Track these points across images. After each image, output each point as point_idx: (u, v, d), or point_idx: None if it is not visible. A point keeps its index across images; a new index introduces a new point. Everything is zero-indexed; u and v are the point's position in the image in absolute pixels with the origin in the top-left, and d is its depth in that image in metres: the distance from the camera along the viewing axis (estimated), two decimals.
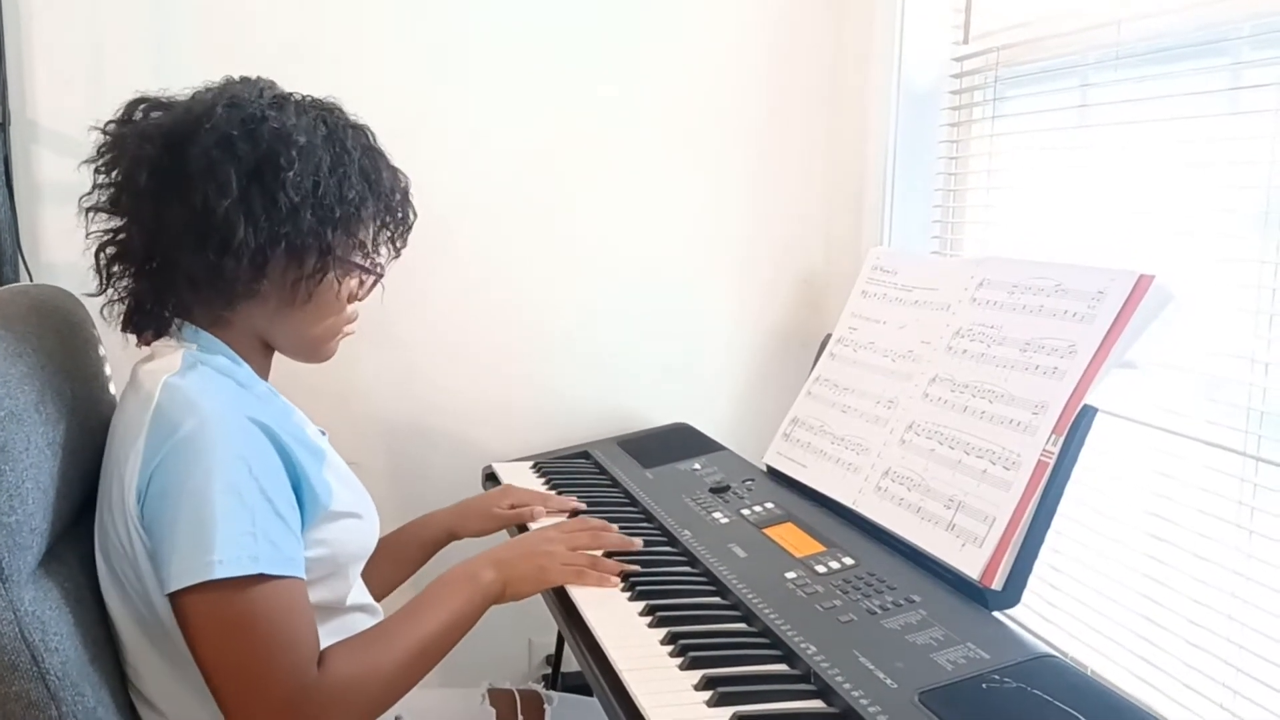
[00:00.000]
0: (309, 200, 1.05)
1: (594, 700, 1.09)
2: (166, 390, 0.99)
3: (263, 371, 1.16)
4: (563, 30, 1.90)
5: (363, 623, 1.18)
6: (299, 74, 1.18)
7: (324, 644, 1.01)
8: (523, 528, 1.47)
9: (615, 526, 1.35)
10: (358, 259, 1.14)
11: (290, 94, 1.13)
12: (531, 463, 1.84)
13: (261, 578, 0.93)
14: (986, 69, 1.80)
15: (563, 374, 2.00)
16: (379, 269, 1.18)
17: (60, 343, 1.09)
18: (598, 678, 1.06)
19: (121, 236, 1.08)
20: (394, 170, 1.18)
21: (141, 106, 1.09)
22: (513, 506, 1.51)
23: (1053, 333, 1.25)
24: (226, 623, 0.93)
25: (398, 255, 1.22)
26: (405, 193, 1.19)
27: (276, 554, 0.95)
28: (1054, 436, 1.19)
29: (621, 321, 2.02)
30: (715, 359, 2.10)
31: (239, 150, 1.03)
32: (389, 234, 1.19)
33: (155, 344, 1.11)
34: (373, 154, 1.15)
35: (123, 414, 1.04)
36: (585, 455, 1.87)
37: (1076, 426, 1.18)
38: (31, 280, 1.69)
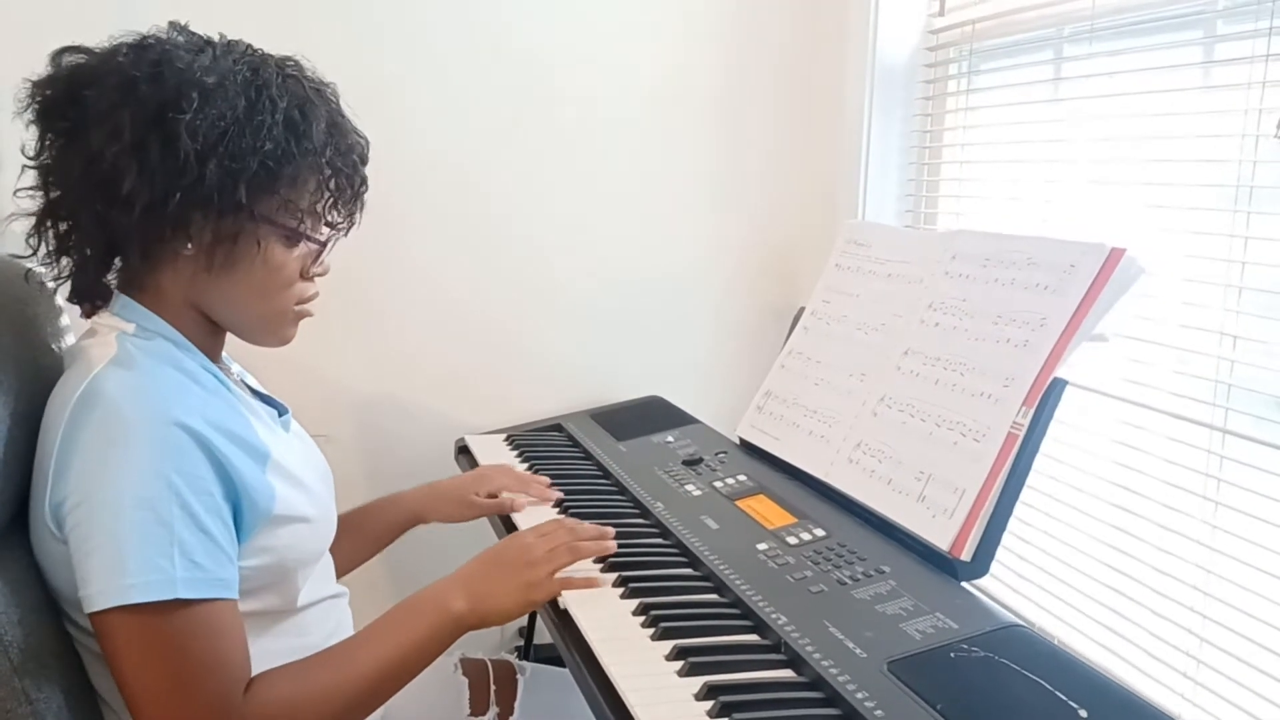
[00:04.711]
0: (215, 149, 0.95)
1: (566, 671, 1.09)
2: (93, 384, 0.92)
3: (211, 347, 1.07)
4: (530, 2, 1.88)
5: (319, 618, 1.13)
6: (261, 42, 1.13)
7: (277, 644, 0.96)
8: (505, 518, 1.43)
9: (587, 525, 1.24)
10: (286, 220, 1.02)
11: (224, 41, 1.03)
12: (504, 435, 1.83)
13: (179, 602, 0.87)
14: (962, 42, 1.80)
15: (535, 347, 2.00)
16: (315, 236, 1.07)
17: (22, 311, 1.06)
18: (569, 649, 1.06)
19: (39, 193, 1.01)
20: (340, 129, 1.06)
21: (65, 56, 1.00)
22: (490, 495, 1.45)
23: (1024, 305, 1.26)
24: (144, 646, 0.87)
25: (351, 225, 1.11)
26: (350, 154, 1.07)
27: (198, 575, 0.88)
28: (1024, 409, 1.19)
29: (595, 294, 2.01)
30: (689, 332, 2.10)
31: (140, 93, 0.94)
32: (330, 198, 1.06)
33: (96, 318, 1.04)
34: (308, 107, 1.02)
35: (53, 400, 0.97)
36: (558, 428, 1.87)
37: (1046, 399, 1.18)
38: None
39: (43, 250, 1.03)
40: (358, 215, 1.12)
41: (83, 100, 0.95)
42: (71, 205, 0.98)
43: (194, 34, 1.03)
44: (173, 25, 1.03)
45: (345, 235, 1.12)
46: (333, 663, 0.99)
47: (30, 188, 1.01)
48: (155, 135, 0.94)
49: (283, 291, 1.06)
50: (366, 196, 1.12)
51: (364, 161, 1.10)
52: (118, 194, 0.94)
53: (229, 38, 1.05)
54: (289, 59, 1.06)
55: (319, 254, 1.09)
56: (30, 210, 1.02)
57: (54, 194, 1.00)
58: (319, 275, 1.10)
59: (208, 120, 0.95)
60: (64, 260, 1.03)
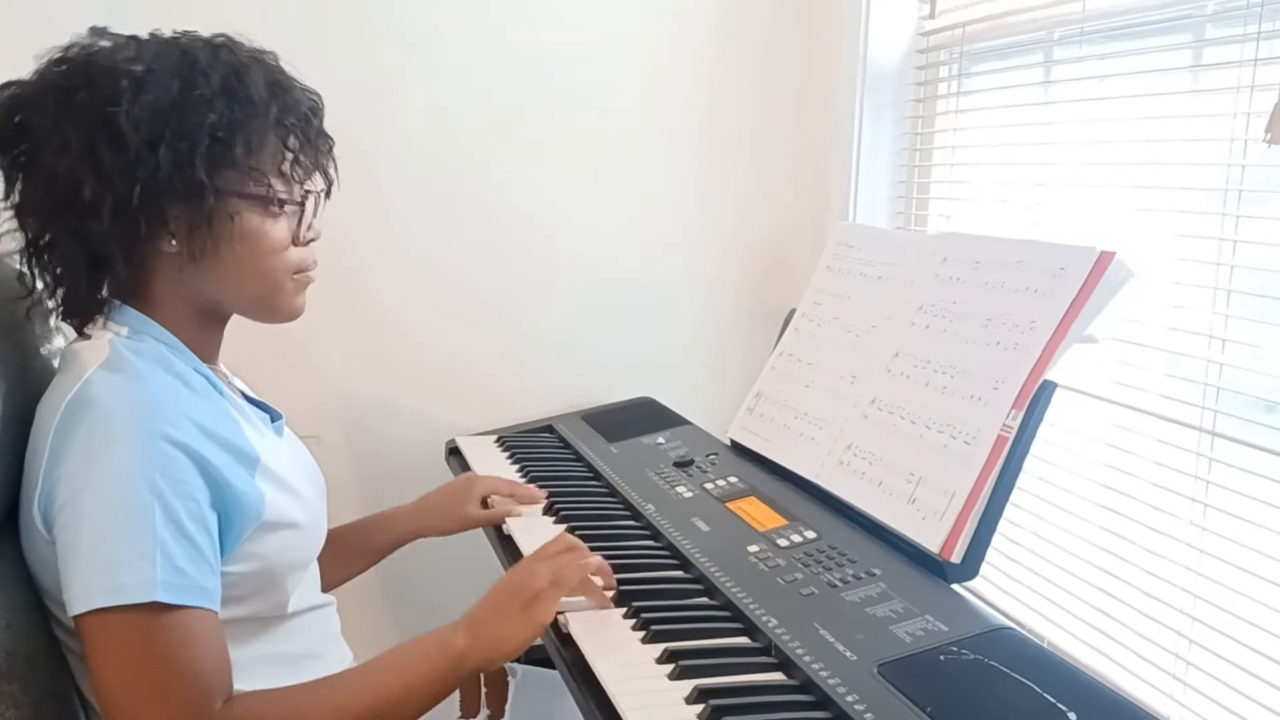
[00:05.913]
0: (161, 134, 0.95)
1: (557, 673, 1.09)
2: (84, 389, 0.92)
3: (207, 349, 1.08)
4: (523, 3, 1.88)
5: (307, 625, 1.12)
6: (245, 35, 1.10)
7: (267, 650, 0.95)
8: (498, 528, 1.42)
9: (600, 559, 1.15)
10: (254, 190, 1.01)
11: (149, 34, 1.02)
12: (495, 437, 1.83)
13: (157, 606, 0.86)
14: (952, 44, 1.80)
15: (527, 347, 1.99)
16: (291, 199, 1.05)
17: (12, 313, 1.05)
18: (560, 651, 1.06)
19: (19, 233, 1.01)
20: (282, 87, 1.04)
21: (4, 90, 0.99)
22: (483, 503, 1.43)
23: (1014, 308, 1.26)
24: (119, 649, 0.86)
25: (328, 183, 1.09)
26: (299, 108, 1.05)
27: (179, 580, 0.87)
28: (1014, 412, 1.19)
29: (587, 295, 2.01)
30: (680, 333, 2.10)
31: (76, 100, 0.94)
32: (291, 157, 1.04)
33: (90, 327, 1.03)
34: (244, 72, 1.00)
35: (45, 403, 0.97)
36: (549, 429, 1.87)
37: (1036, 402, 1.19)
38: None
39: (39, 286, 1.03)
40: (332, 172, 1.10)
41: (27, 127, 0.96)
42: (50, 234, 0.99)
43: (116, 34, 1.02)
44: (93, 30, 1.02)
45: (328, 196, 1.11)
46: (322, 693, 0.96)
47: (8, 226, 1.01)
48: (101, 136, 0.94)
49: (272, 262, 1.05)
50: (335, 152, 1.10)
51: (316, 114, 1.08)
52: (83, 204, 0.94)
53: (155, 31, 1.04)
54: (218, 34, 1.05)
55: (301, 217, 1.07)
56: (13, 250, 1.02)
57: (31, 230, 1.00)
58: (311, 240, 1.09)
59: (146, 107, 0.95)
60: (59, 291, 1.02)
